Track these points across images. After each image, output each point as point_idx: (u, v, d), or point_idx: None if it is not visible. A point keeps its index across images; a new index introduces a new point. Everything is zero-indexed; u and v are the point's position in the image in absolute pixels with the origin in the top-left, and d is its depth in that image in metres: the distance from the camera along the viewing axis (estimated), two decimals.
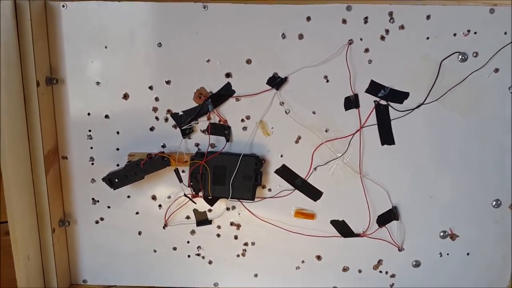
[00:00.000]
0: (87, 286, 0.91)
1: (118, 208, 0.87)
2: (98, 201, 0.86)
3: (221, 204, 0.86)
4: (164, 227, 0.88)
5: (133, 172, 0.80)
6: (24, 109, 0.76)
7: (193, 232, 0.88)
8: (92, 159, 0.84)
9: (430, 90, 0.79)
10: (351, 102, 0.81)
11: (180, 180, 0.82)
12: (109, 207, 0.87)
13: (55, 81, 0.80)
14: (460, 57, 0.78)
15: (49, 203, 0.81)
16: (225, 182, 0.81)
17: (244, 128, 0.82)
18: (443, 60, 0.78)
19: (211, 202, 0.86)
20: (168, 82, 0.80)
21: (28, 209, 0.79)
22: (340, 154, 0.83)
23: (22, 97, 0.75)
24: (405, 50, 0.78)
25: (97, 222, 0.88)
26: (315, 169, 0.84)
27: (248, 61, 0.79)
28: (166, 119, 0.82)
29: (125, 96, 0.81)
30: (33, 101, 0.76)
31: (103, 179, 0.81)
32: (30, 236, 0.81)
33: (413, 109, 0.81)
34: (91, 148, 0.84)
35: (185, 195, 0.83)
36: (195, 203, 0.85)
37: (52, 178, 0.82)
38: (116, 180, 0.80)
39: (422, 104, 0.80)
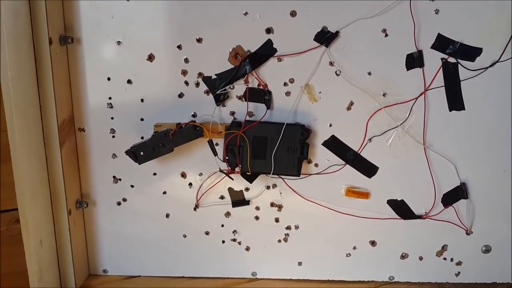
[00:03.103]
0: (107, 277, 0.89)
1: (143, 187, 0.84)
2: (120, 179, 0.84)
3: (260, 182, 0.83)
4: (195, 209, 0.85)
5: (160, 143, 0.76)
6: (35, 71, 0.72)
7: (228, 214, 0.85)
8: (113, 131, 0.81)
9: (506, 45, 0.74)
10: (414, 60, 0.76)
11: (215, 153, 0.79)
12: (132, 186, 0.84)
13: (70, 40, 0.76)
14: None
15: (65, 182, 0.78)
16: (266, 155, 0.77)
17: (287, 93, 0.78)
18: None
19: (250, 178, 0.82)
20: (199, 40, 0.75)
21: (40, 188, 0.76)
22: (400, 122, 0.79)
23: (33, 56, 0.71)
24: None
25: (119, 203, 0.85)
26: (370, 140, 0.80)
27: (293, 13, 0.74)
28: (197, 84, 0.78)
29: (150, 58, 0.76)
30: (45, 62, 0.72)
31: (127, 152, 0.78)
32: (43, 219, 0.78)
33: (487, 67, 0.76)
34: (112, 118, 0.80)
35: (220, 170, 0.80)
36: (232, 179, 0.81)
37: (68, 152, 0.79)
38: (142, 153, 0.77)
39: (497, 61, 0.75)
